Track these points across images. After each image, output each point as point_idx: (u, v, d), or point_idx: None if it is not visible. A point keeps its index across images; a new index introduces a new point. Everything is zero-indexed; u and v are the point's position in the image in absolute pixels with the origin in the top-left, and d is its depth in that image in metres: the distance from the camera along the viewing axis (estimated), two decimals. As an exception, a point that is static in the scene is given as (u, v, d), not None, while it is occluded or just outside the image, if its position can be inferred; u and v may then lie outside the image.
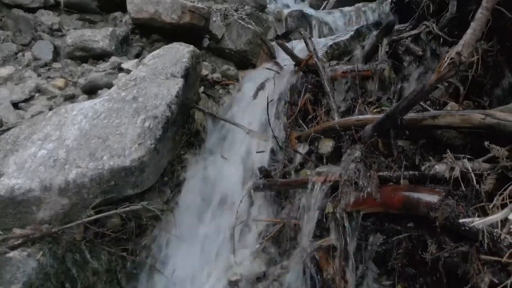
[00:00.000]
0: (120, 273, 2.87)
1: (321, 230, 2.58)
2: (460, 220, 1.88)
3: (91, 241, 2.71)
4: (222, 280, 2.80)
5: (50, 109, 3.21)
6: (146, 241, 2.97)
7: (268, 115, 3.22)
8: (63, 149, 2.72)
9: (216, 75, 4.15)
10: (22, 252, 2.43)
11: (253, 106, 3.69)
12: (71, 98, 3.45)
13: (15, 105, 3.27)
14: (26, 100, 3.34)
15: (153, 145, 2.77)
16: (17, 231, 2.51)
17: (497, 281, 1.81)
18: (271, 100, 3.31)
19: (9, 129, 2.96)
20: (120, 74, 3.73)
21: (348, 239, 2.44)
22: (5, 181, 2.59)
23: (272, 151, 3.28)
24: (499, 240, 1.81)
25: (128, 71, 3.71)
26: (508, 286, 1.72)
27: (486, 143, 1.99)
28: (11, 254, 2.41)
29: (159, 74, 3.31)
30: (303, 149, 3.03)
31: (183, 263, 2.96)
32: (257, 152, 3.28)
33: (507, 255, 1.74)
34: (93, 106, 2.99)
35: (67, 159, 2.67)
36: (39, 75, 3.67)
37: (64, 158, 2.68)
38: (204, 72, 4.05)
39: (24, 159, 2.70)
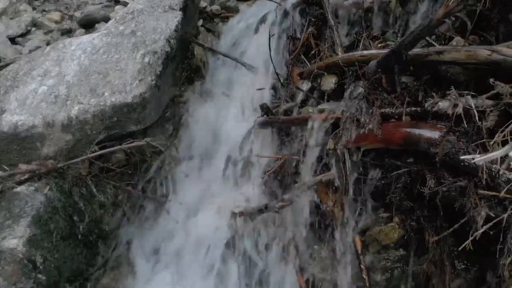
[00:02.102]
0: (126, 206, 2.96)
1: (321, 165, 2.61)
2: (461, 157, 1.91)
3: (97, 175, 2.77)
4: (225, 212, 2.89)
5: (48, 43, 3.16)
6: (151, 176, 3.03)
7: (270, 50, 3.14)
8: (64, 85, 2.71)
9: (215, 7, 4.01)
10: (29, 187, 2.49)
11: (254, 41, 3.60)
12: (68, 33, 3.38)
13: (12, 40, 3.21)
14: (22, 35, 3.28)
15: (154, 81, 2.75)
16: (23, 166, 2.56)
17: (493, 215, 1.86)
18: (273, 35, 3.22)
19: (7, 65, 2.93)
20: (116, 7, 3.63)
21: (348, 174, 2.48)
22: (8, 117, 2.60)
23: (274, 88, 3.24)
24: (497, 176, 1.85)
25: (124, 4, 3.61)
26: (504, 220, 1.78)
27: (491, 80, 1.97)
28: (19, 189, 2.47)
29: (156, 6, 3.21)
30: (305, 86, 2.99)
31: (187, 196, 3.05)
32: (258, 89, 3.24)
33: (504, 190, 1.78)
34: (92, 41, 2.93)
35: (68, 95, 2.66)
36: (34, 8, 3.57)
37: (65, 94, 2.67)
38: (203, 3, 3.91)
39: (25, 95, 2.69)
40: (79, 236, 2.61)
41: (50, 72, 2.78)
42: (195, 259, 2.88)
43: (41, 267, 2.35)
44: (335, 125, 2.55)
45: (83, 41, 2.94)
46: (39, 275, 2.34)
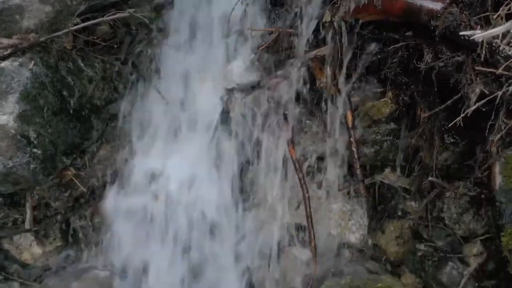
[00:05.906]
0: (116, 80, 2.90)
1: (317, 40, 2.50)
2: (460, 33, 1.81)
3: (82, 49, 2.67)
4: (217, 88, 2.85)
5: None
6: (139, 49, 2.93)
7: None
8: (36, -51, 2.47)
9: None
10: (13, 62, 2.42)
11: None
12: None
13: None
14: None
15: None
16: (4, 40, 2.46)
17: (487, 92, 1.83)
18: None
19: None
20: None
21: (343, 48, 2.39)
22: (-19, -12, 2.42)
23: None
24: (497, 51, 1.78)
25: None
26: (499, 97, 1.76)
27: None
28: (3, 64, 2.40)
29: None
30: None
31: (179, 69, 2.97)
32: (251, -49, 2.96)
33: (503, 66, 1.72)
34: None
35: (42, -39, 2.44)
36: None
37: (39, -40, 2.45)
38: None
39: (-5, -38, 2.47)
40: (71, 111, 2.60)
41: None
42: (190, 133, 2.92)
43: (35, 142, 2.39)
44: (333, -6, 2.38)
45: None
46: (35, 149, 2.39)
